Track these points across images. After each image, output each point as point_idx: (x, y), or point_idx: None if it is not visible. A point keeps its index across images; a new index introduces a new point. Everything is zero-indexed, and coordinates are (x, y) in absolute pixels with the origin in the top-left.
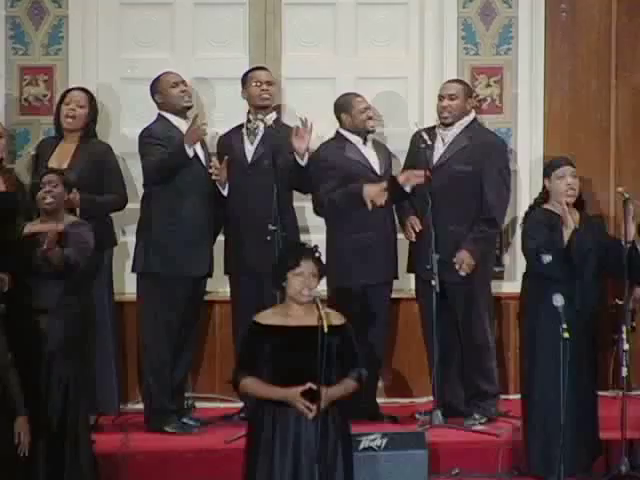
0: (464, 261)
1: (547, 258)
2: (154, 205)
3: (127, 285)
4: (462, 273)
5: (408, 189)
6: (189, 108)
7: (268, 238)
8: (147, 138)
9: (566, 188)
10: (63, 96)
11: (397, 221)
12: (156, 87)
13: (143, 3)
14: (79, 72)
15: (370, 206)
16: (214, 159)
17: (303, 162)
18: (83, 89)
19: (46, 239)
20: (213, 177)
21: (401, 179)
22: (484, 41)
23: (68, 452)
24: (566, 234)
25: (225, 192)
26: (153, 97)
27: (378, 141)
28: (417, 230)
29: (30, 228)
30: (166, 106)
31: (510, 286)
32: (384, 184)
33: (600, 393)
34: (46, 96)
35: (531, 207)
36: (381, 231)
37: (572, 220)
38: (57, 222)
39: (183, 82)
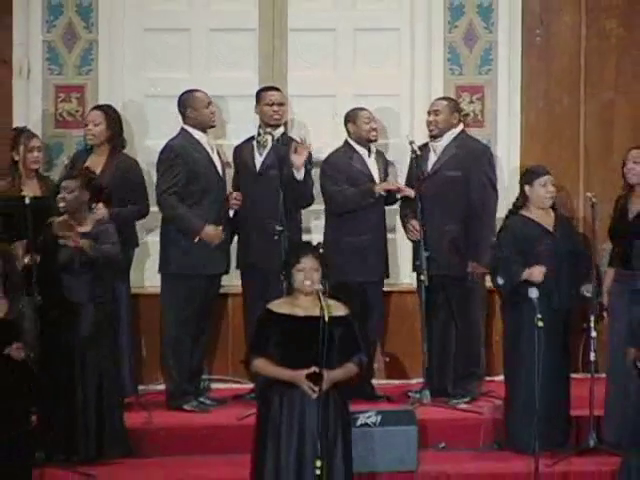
0: (476, 270)
1: (501, 281)
2: None
3: (146, 280)
4: (472, 277)
5: (398, 196)
6: (213, 126)
7: (275, 238)
8: (168, 156)
9: (547, 195)
10: (85, 116)
11: (394, 224)
12: (189, 102)
13: (164, 29)
14: (107, 90)
15: (382, 192)
16: (235, 193)
17: (299, 176)
18: (100, 107)
19: (70, 240)
20: (234, 207)
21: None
22: (467, 62)
23: (108, 425)
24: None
25: (231, 214)
26: (183, 111)
27: (380, 151)
28: (417, 231)
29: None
30: (194, 121)
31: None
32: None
33: (572, 376)
34: (78, 112)
35: (510, 212)
36: (373, 235)
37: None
38: (79, 222)
39: (209, 102)
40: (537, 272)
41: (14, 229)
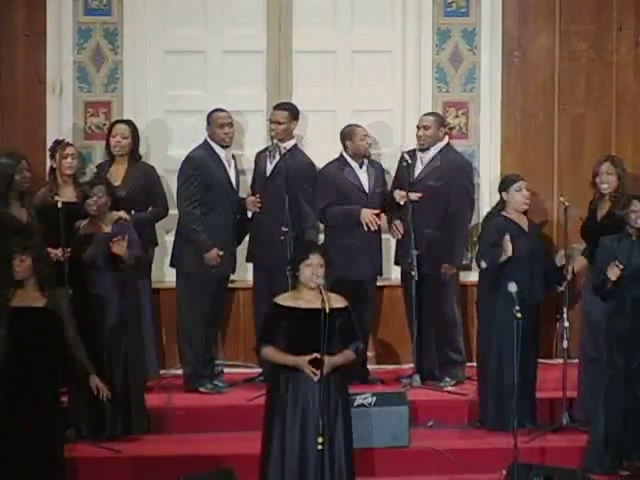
0: (448, 271)
1: (483, 265)
2: None
3: (166, 276)
4: (444, 271)
5: (402, 203)
6: (228, 146)
7: (282, 237)
8: (188, 169)
9: (523, 199)
10: (110, 128)
11: (383, 225)
12: (210, 120)
13: (182, 51)
14: (131, 106)
15: (365, 228)
16: (252, 198)
17: None
18: (126, 122)
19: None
20: (252, 209)
21: (397, 197)
22: (453, 81)
23: (133, 405)
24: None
25: (250, 215)
26: (206, 126)
27: (375, 161)
28: (400, 232)
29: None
30: (211, 137)
31: (474, 275)
32: (377, 211)
33: (546, 361)
34: (105, 125)
35: (490, 214)
36: (366, 239)
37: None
38: (103, 223)
39: (229, 124)
40: (509, 245)
41: (50, 231)
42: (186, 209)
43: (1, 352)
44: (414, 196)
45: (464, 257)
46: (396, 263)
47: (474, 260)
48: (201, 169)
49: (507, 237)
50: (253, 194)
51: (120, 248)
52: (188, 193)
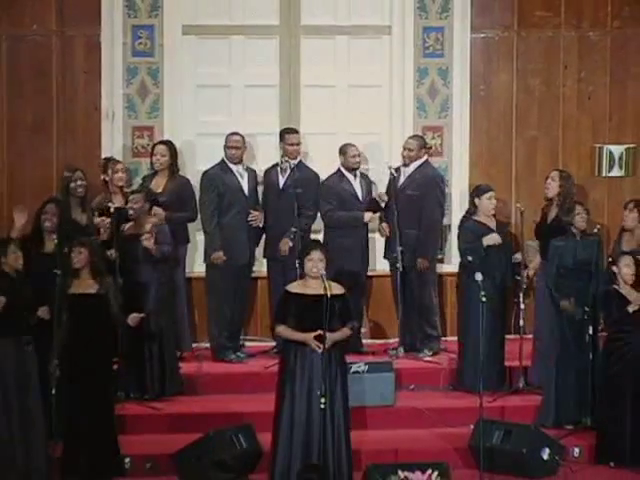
0: (422, 264)
1: (470, 258)
2: None
3: (196, 267)
4: (419, 266)
5: (382, 205)
6: (239, 162)
7: (291, 237)
8: (205, 182)
9: (491, 205)
10: (152, 148)
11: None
12: (225, 140)
13: (210, 85)
14: (169, 129)
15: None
16: (255, 213)
17: None
18: (164, 142)
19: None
20: (253, 224)
21: (376, 197)
22: (430, 109)
23: (167, 370)
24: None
25: (261, 224)
26: (224, 145)
27: (365, 174)
28: (387, 232)
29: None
30: (225, 155)
31: (448, 267)
32: (377, 214)
33: (507, 337)
34: (148, 145)
35: (465, 217)
36: (358, 238)
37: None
38: (140, 225)
39: (236, 147)
40: (495, 236)
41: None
42: (204, 214)
43: (64, 333)
44: (384, 197)
45: (438, 252)
46: (384, 257)
47: (453, 256)
48: (214, 182)
49: (493, 235)
50: (263, 208)
51: (149, 242)
52: (207, 201)
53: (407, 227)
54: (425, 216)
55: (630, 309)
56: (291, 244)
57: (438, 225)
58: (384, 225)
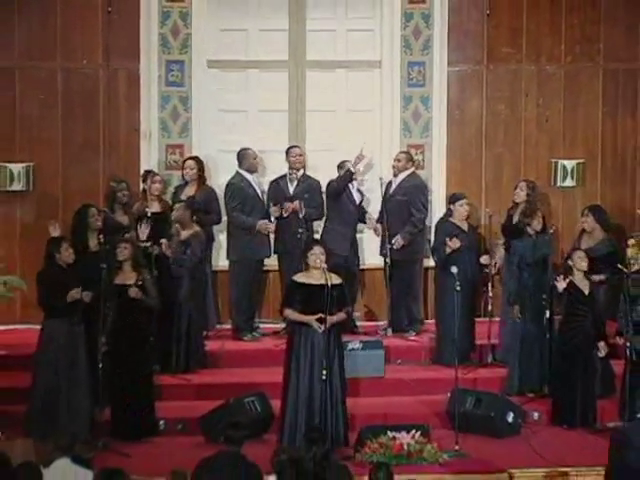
0: (397, 241)
1: (435, 257)
2: None
3: (220, 261)
4: (395, 246)
5: (353, 170)
6: (252, 174)
7: (298, 236)
8: (230, 192)
9: (464, 211)
10: (183, 163)
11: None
12: (242, 156)
13: (231, 110)
14: (197, 147)
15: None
16: (262, 222)
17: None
18: (192, 158)
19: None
20: (263, 232)
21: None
22: (414, 131)
23: (193, 348)
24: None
25: (272, 228)
26: (239, 160)
27: (359, 188)
28: (380, 232)
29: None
30: (245, 166)
31: (427, 262)
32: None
33: (477, 319)
34: (179, 160)
35: (442, 219)
36: (349, 228)
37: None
38: (184, 228)
39: (255, 157)
40: (453, 242)
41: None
42: (231, 214)
43: (114, 317)
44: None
45: (425, 250)
46: (380, 254)
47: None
48: (237, 191)
49: (455, 239)
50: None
51: (165, 248)
52: (232, 206)
53: (397, 228)
54: (413, 218)
55: (559, 286)
56: (272, 227)
57: (422, 225)
58: (377, 226)
